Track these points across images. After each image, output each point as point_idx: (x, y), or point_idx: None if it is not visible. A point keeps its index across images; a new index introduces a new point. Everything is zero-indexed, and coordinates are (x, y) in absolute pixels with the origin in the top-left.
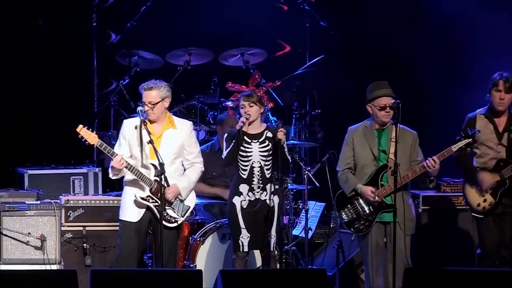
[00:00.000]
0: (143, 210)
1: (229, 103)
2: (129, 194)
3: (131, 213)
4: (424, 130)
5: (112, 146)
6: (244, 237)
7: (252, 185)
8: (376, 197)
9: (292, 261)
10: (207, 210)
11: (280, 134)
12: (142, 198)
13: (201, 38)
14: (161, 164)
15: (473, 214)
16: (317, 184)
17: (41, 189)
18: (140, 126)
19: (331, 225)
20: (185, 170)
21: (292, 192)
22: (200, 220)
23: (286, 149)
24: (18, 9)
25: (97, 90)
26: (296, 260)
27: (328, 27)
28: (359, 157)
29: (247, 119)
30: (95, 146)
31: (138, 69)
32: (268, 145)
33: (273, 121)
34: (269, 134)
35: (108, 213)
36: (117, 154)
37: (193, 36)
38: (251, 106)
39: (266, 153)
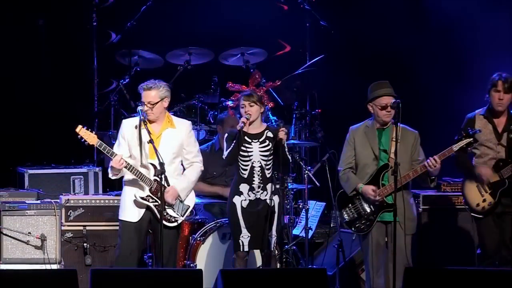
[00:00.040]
0: (143, 210)
1: (229, 103)
2: (129, 194)
3: (131, 213)
4: (424, 130)
5: (113, 145)
6: (245, 237)
7: (253, 185)
8: (377, 196)
9: (293, 260)
10: (207, 209)
11: (282, 134)
12: (142, 198)
13: (201, 37)
14: (161, 164)
15: (472, 214)
16: (317, 184)
17: (41, 188)
18: (140, 126)
19: (331, 225)
20: (184, 169)
21: (292, 192)
22: (200, 220)
23: (286, 149)
24: (18, 8)
25: (97, 90)
26: (297, 259)
27: (328, 26)
28: (360, 156)
29: (247, 119)
30: (95, 146)
31: (138, 69)
32: (268, 144)
33: (273, 121)
34: (270, 134)
35: (108, 212)
36: (116, 154)
37: (193, 35)
38: (251, 106)
39: (266, 153)
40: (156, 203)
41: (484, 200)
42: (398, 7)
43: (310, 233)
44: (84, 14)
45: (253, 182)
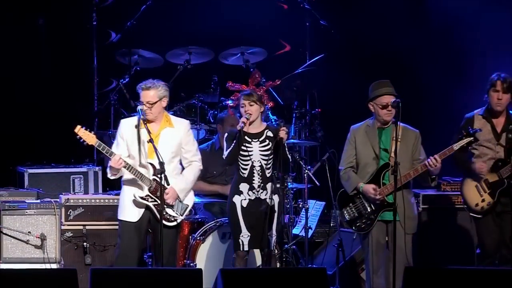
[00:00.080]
0: (142, 210)
1: (229, 102)
2: (128, 193)
3: (130, 213)
4: (424, 129)
5: (112, 144)
6: (244, 236)
7: (253, 184)
8: (378, 195)
9: (292, 260)
10: (207, 209)
11: (283, 133)
12: (141, 198)
13: (201, 37)
14: (161, 163)
15: (471, 214)
16: (317, 183)
17: (41, 188)
18: (140, 125)
19: (331, 224)
20: (183, 168)
21: (292, 191)
22: (200, 219)
23: (286, 148)
24: (18, 8)
25: (97, 89)
26: (296, 259)
27: (328, 26)
28: (361, 155)
29: (247, 119)
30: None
31: (138, 68)
32: (268, 144)
33: (273, 120)
34: (270, 133)
35: (108, 212)
36: (115, 154)
37: (193, 35)
38: (251, 105)
39: (266, 152)
40: (156, 203)
41: (483, 200)
42: (398, 7)
43: (310, 232)
44: (84, 14)
45: (253, 182)
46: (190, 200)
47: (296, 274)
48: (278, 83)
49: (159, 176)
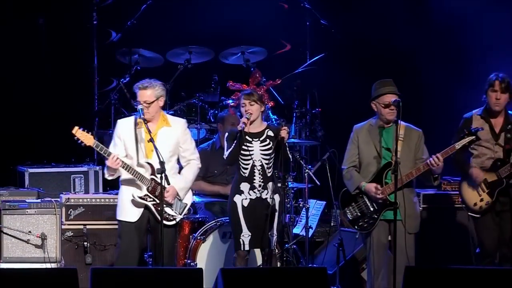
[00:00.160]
0: (142, 209)
1: (230, 102)
2: (126, 193)
3: (129, 213)
4: (426, 129)
5: (110, 145)
6: (245, 236)
7: (253, 184)
8: (380, 194)
9: (293, 259)
10: (208, 208)
11: (284, 133)
12: (140, 197)
13: (202, 36)
14: (162, 163)
15: (469, 213)
16: (318, 183)
17: (41, 187)
18: (137, 125)
19: (332, 224)
20: (181, 168)
21: (292, 191)
22: (200, 219)
23: (287, 148)
24: (19, 7)
25: (98, 89)
26: (297, 258)
27: (329, 25)
28: (364, 155)
29: (248, 119)
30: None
31: (138, 68)
32: (269, 143)
33: (273, 120)
34: (270, 133)
35: (108, 211)
36: (112, 154)
37: (194, 34)
38: (251, 105)
39: (267, 152)
40: (154, 202)
41: (481, 200)
42: (399, 6)
43: (311, 232)
44: (84, 13)
45: (254, 181)
46: (188, 199)
47: (297, 274)
48: (278, 82)
49: (159, 175)
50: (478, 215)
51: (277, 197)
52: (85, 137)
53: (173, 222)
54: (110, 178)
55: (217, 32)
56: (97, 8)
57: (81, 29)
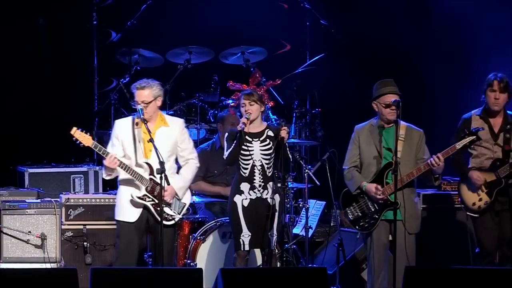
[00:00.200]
0: (140, 210)
1: (230, 102)
2: (125, 194)
3: (128, 213)
4: (426, 129)
5: (107, 146)
6: (245, 236)
7: (254, 184)
8: (381, 194)
9: (293, 259)
10: (208, 208)
11: (284, 133)
12: (139, 198)
13: (202, 36)
14: (162, 163)
15: (468, 213)
16: (318, 183)
17: (41, 187)
18: (136, 125)
19: (332, 224)
20: (179, 167)
21: (292, 191)
22: (200, 219)
23: (287, 148)
24: (19, 8)
25: (98, 89)
26: (297, 258)
27: (329, 25)
28: (365, 155)
29: (247, 119)
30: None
31: (138, 68)
32: (269, 143)
33: (273, 120)
34: (270, 133)
35: (108, 211)
36: (109, 153)
37: (194, 34)
38: (251, 105)
39: (267, 152)
40: (153, 202)
41: (480, 199)
42: (399, 6)
43: (310, 232)
44: (84, 13)
45: (254, 181)
46: (187, 198)
47: (297, 274)
48: (278, 82)
49: (158, 175)
50: (476, 215)
51: (277, 197)
52: (84, 138)
53: (172, 222)
54: (107, 178)
55: (217, 32)
56: (97, 8)
57: (81, 29)
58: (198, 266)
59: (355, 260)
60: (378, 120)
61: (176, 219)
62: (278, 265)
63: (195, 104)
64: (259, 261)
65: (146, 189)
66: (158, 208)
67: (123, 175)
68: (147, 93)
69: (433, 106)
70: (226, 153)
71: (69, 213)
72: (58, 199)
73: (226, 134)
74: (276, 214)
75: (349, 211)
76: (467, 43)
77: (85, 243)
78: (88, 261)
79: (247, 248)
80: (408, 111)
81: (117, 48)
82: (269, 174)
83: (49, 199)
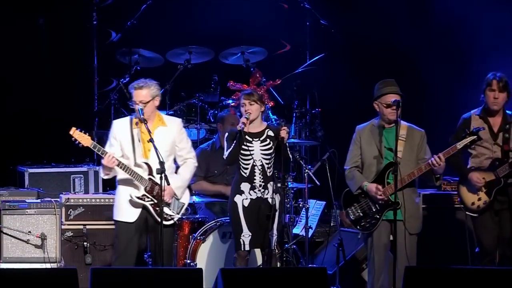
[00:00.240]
0: (139, 210)
1: (230, 102)
2: (124, 194)
3: (128, 213)
4: (427, 129)
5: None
6: (246, 236)
7: (254, 184)
8: (382, 194)
9: (293, 259)
10: (208, 208)
11: (284, 133)
12: (138, 198)
13: (202, 36)
14: (162, 163)
15: (467, 213)
16: (318, 183)
17: (41, 187)
18: (134, 125)
19: (332, 224)
20: (178, 167)
21: (292, 191)
22: (200, 219)
23: (287, 148)
24: (19, 7)
25: (98, 89)
26: (297, 258)
27: (329, 25)
28: (366, 155)
29: (247, 119)
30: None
31: (138, 68)
32: (269, 143)
33: (273, 120)
34: (270, 133)
35: (108, 211)
36: (107, 152)
37: (194, 34)
38: (251, 105)
39: (267, 152)
40: (152, 202)
41: (479, 199)
42: (399, 6)
43: (310, 232)
44: (84, 13)
45: (254, 181)
46: (186, 198)
47: (297, 274)
48: (278, 82)
49: (158, 175)
50: (476, 215)
51: (277, 197)
52: (83, 138)
53: (171, 222)
54: (105, 177)
55: (217, 32)
56: (97, 8)
57: (81, 29)
58: (198, 266)
59: (355, 260)
60: (379, 120)
61: (175, 219)
62: (278, 265)
63: (195, 104)
64: (259, 261)
65: (145, 189)
66: (157, 208)
67: (121, 175)
68: (145, 93)
69: (433, 106)
70: (226, 153)
71: (69, 213)
72: (58, 199)
73: (226, 134)
74: (276, 214)
75: (350, 211)
76: (467, 43)
77: (85, 243)
78: (88, 261)
79: (247, 248)
80: (408, 111)
81: (117, 48)
82: (270, 174)
83: (49, 199)
